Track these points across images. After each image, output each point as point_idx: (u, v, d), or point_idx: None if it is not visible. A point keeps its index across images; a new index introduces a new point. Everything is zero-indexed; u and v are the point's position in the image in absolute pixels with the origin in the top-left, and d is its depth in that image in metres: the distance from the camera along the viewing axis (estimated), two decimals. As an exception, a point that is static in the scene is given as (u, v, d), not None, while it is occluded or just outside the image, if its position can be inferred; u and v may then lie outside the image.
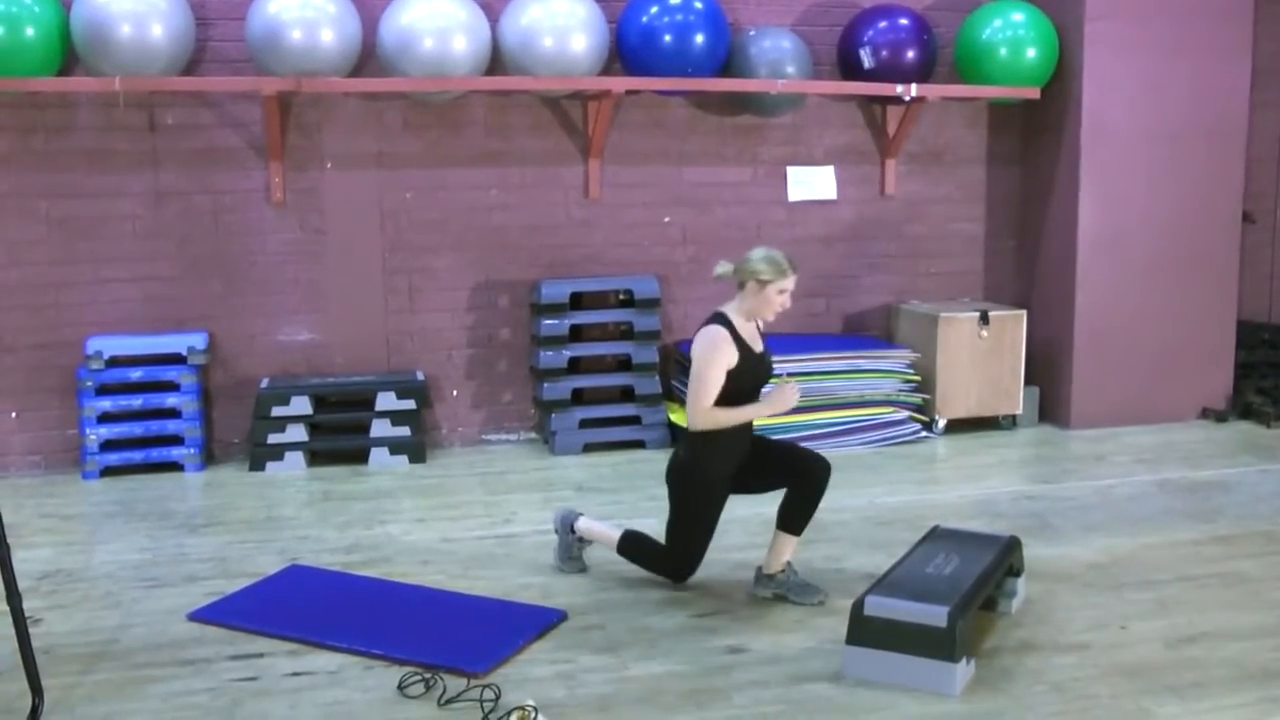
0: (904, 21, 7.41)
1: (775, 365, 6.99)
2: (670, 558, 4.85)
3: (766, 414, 4.73)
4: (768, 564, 4.81)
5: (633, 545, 4.93)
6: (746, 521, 5.72)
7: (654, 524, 5.72)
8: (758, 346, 4.73)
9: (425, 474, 6.75)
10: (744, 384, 4.65)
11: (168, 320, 6.96)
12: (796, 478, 4.72)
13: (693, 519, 4.78)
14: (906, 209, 7.97)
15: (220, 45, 6.85)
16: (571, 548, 5.08)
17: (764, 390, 4.83)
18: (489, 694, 3.85)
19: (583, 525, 5.06)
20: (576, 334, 7.27)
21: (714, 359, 4.57)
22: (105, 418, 6.71)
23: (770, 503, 6.01)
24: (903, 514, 5.84)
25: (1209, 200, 7.72)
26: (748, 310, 4.68)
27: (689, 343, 7.38)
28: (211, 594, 4.83)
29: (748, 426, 4.77)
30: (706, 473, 4.71)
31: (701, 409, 4.58)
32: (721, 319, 4.65)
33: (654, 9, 6.94)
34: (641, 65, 6.99)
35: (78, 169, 6.76)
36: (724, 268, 4.71)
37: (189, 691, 3.97)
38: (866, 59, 7.39)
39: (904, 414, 7.33)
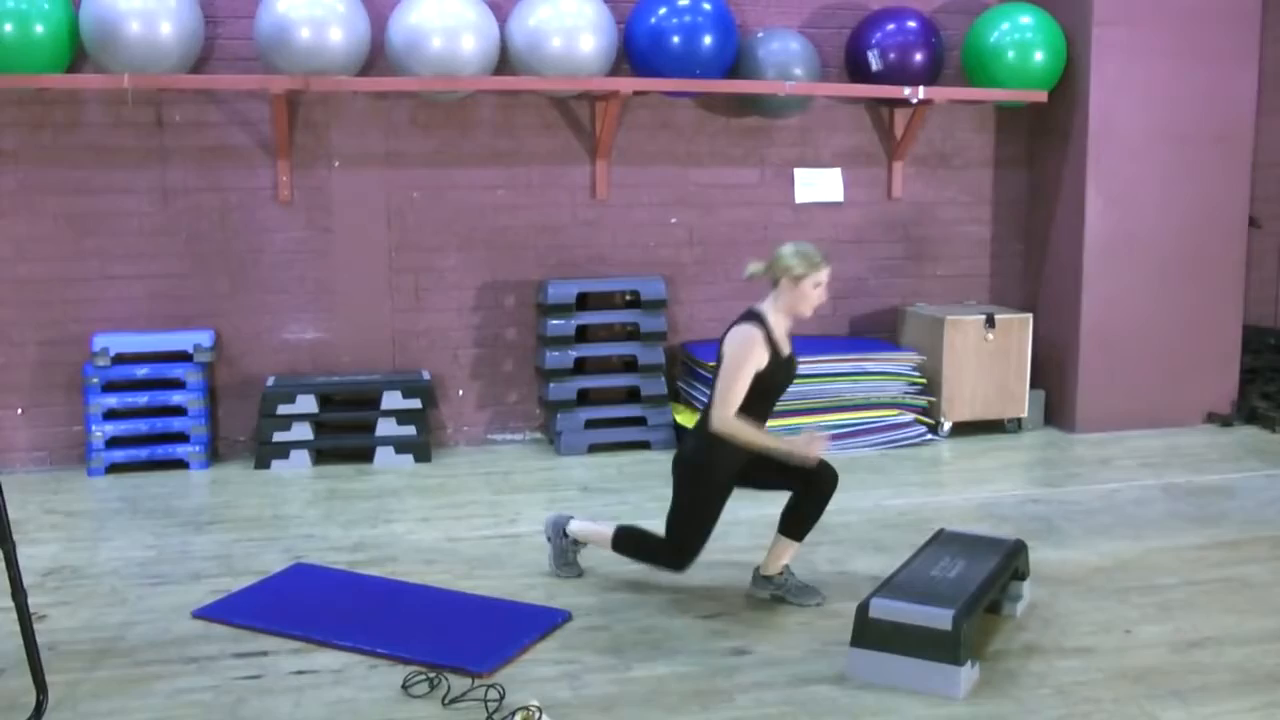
0: (912, 24, 7.41)
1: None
2: (671, 548, 4.70)
3: (783, 453, 4.54)
4: (766, 565, 4.79)
5: (628, 540, 4.84)
6: (752, 523, 5.71)
7: (658, 524, 5.72)
8: (786, 349, 4.64)
9: (430, 473, 6.75)
10: (766, 387, 4.55)
11: (174, 317, 6.97)
12: (803, 484, 4.66)
13: (696, 513, 4.67)
14: (913, 211, 7.97)
15: (229, 43, 6.86)
16: (566, 552, 5.03)
17: (790, 435, 4.73)
18: (493, 694, 3.85)
19: (575, 528, 4.99)
20: (582, 334, 7.27)
21: (745, 361, 4.46)
22: (111, 414, 6.72)
23: (775, 504, 6.03)
24: (908, 516, 5.84)
25: (1215, 205, 7.71)
26: (784, 307, 4.58)
27: (695, 343, 7.49)
28: (216, 592, 4.84)
29: (761, 427, 4.70)
30: (714, 470, 4.63)
31: (726, 414, 4.47)
32: (757, 318, 4.54)
33: (662, 10, 6.94)
34: (649, 66, 6.99)
35: (85, 165, 6.77)
36: (755, 267, 4.63)
37: (193, 689, 3.97)
38: (874, 61, 7.39)
39: (909, 416, 7.33)
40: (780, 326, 4.60)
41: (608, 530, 4.89)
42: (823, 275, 4.54)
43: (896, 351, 7.53)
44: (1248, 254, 7.90)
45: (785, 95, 7.22)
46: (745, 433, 4.49)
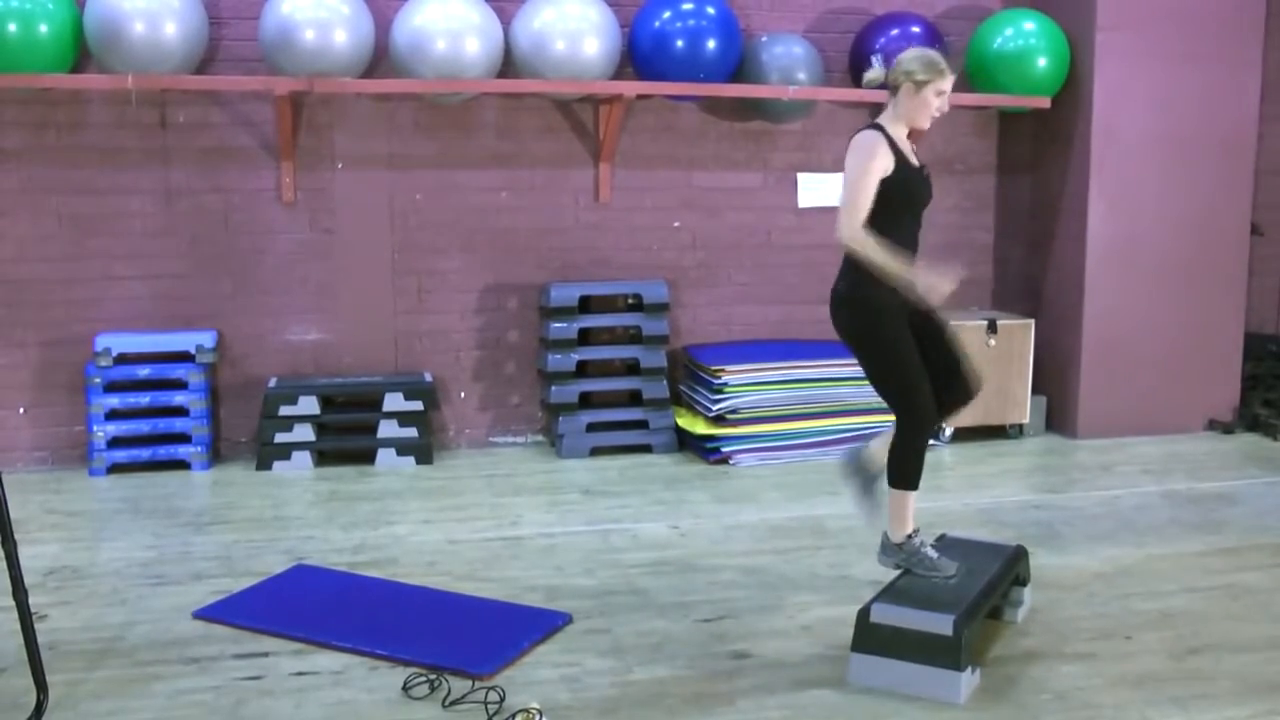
0: (916, 29, 7.41)
1: (783, 370, 7.08)
2: (905, 415, 4.41)
3: (902, 282, 4.19)
4: (891, 530, 4.53)
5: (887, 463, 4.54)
6: (753, 527, 5.72)
7: (659, 527, 5.74)
8: (915, 160, 4.41)
9: (432, 475, 6.75)
10: (901, 198, 4.32)
11: (177, 318, 6.97)
12: (945, 379, 4.43)
13: (890, 357, 4.36)
14: (916, 216, 7.96)
15: (233, 44, 6.86)
16: (874, 484, 4.64)
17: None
18: (493, 696, 3.85)
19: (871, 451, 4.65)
20: (585, 337, 7.27)
21: (869, 162, 4.23)
22: (113, 415, 6.72)
23: (776, 507, 6.03)
24: (909, 521, 5.83)
25: (1218, 211, 7.71)
26: (903, 116, 4.37)
27: (697, 347, 7.49)
28: (217, 592, 4.84)
29: (913, 249, 4.42)
30: (871, 299, 4.31)
31: (854, 222, 4.21)
32: (876, 126, 4.35)
33: (666, 14, 6.95)
34: (653, 70, 7.00)
35: (89, 166, 6.78)
36: (874, 72, 4.47)
37: (194, 689, 3.98)
38: (878, 66, 7.37)
39: (911, 421, 7.31)
40: (902, 137, 4.39)
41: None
42: (946, 83, 4.34)
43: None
44: (1249, 261, 7.90)
45: (789, 100, 7.22)
46: (870, 247, 4.20)
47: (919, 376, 4.38)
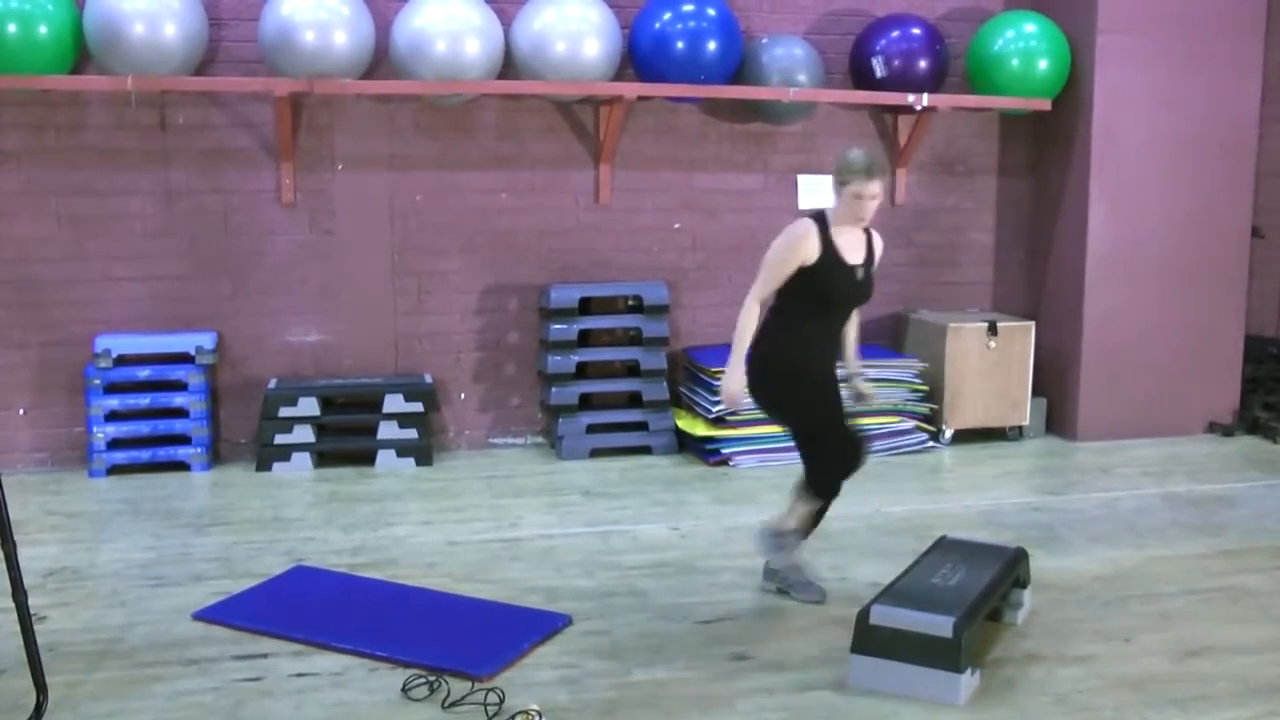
0: (916, 31, 7.41)
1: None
2: (826, 459, 4.59)
3: (732, 362, 4.48)
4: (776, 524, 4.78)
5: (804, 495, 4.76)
6: (753, 529, 5.71)
7: (659, 528, 5.73)
8: (854, 258, 4.52)
9: (432, 477, 6.75)
10: (825, 289, 4.48)
11: (176, 319, 6.97)
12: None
13: (809, 408, 4.58)
14: (916, 218, 7.97)
15: (233, 46, 6.86)
16: (796, 572, 4.83)
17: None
18: (493, 697, 3.85)
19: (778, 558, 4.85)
20: (585, 339, 7.26)
21: (785, 249, 4.43)
22: (113, 416, 6.72)
23: (775, 509, 6.02)
24: (909, 523, 5.83)
25: (1218, 214, 7.71)
26: (841, 214, 4.50)
27: (697, 349, 7.49)
28: (217, 594, 4.84)
29: (831, 349, 4.65)
30: (785, 361, 4.54)
31: (752, 297, 4.47)
32: (818, 215, 4.51)
33: (667, 15, 6.95)
34: (654, 71, 7.00)
35: (88, 167, 6.78)
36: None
37: (193, 691, 3.98)
38: (878, 68, 7.39)
39: (911, 423, 7.32)
40: (844, 232, 4.50)
41: (784, 513, 4.83)
42: (864, 187, 4.40)
43: (898, 358, 7.52)
44: (1250, 263, 7.90)
45: (789, 101, 7.22)
46: (741, 327, 4.46)
47: (840, 418, 4.65)
